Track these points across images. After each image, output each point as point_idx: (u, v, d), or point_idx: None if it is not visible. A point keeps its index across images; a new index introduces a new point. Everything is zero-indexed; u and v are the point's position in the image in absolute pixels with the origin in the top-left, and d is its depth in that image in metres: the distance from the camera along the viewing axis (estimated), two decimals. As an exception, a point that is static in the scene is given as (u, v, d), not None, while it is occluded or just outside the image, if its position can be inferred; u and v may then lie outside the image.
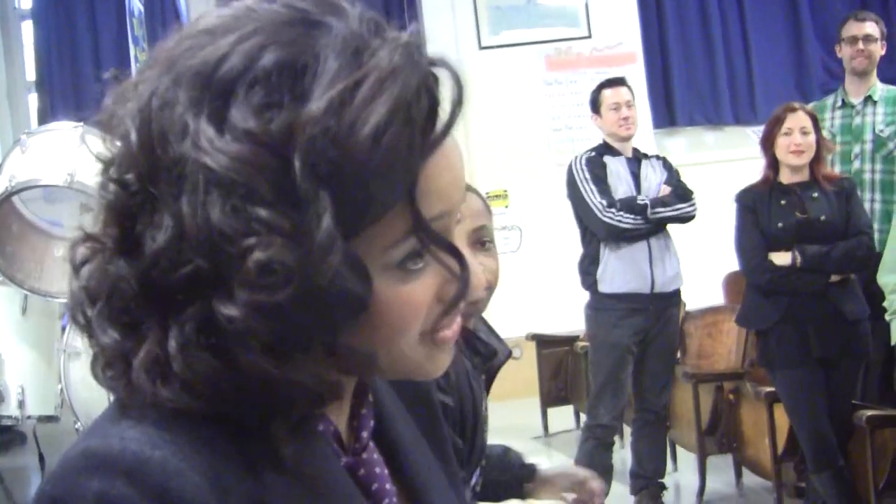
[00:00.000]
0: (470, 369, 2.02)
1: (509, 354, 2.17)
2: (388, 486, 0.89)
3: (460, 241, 2.03)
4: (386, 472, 0.90)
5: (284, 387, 0.73)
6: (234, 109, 0.71)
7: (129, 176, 0.74)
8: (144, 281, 0.72)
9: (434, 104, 0.75)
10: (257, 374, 0.71)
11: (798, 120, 4.22)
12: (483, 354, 2.06)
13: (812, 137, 4.21)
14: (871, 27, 5.11)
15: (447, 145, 0.76)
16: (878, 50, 5.13)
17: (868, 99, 5.07)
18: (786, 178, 4.26)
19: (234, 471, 0.73)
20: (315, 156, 0.70)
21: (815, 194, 4.22)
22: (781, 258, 4.16)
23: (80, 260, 0.78)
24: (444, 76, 0.77)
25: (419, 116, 0.73)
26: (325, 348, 0.74)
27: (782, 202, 4.22)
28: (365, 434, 0.89)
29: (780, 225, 4.19)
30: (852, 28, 5.14)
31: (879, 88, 5.12)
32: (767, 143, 4.28)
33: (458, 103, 0.76)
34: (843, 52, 5.18)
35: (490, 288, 2.00)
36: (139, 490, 0.69)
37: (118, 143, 0.75)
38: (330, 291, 0.71)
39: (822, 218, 4.18)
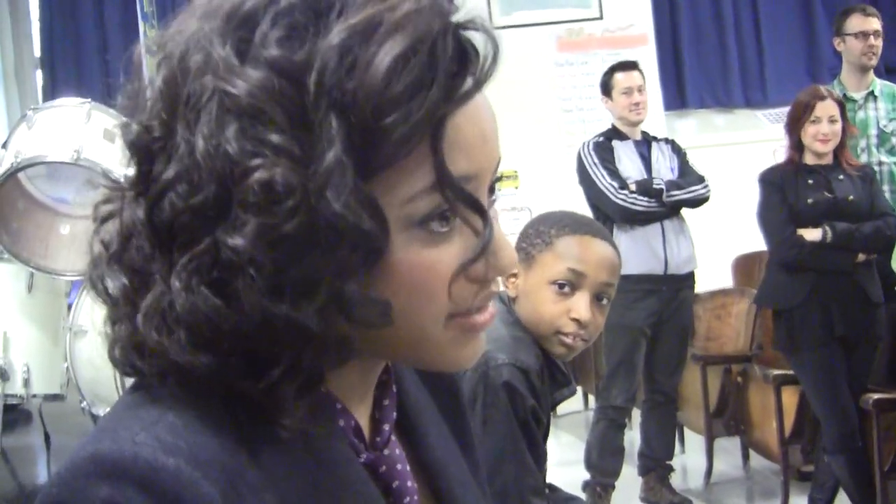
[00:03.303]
0: (546, 396, 2.04)
1: (574, 392, 2.19)
2: (409, 483, 0.86)
3: (587, 290, 1.98)
4: (408, 468, 0.87)
5: (287, 329, 0.70)
6: (258, 40, 0.70)
7: (153, 122, 0.73)
8: (154, 216, 0.71)
9: (465, 54, 0.73)
10: (259, 313, 0.69)
11: (827, 109, 4.21)
12: (559, 382, 2.07)
13: (839, 126, 4.22)
14: (877, 22, 5.05)
15: (479, 102, 0.75)
16: (880, 44, 5.08)
17: (870, 94, 5.03)
18: (810, 160, 4.26)
19: (250, 479, 0.71)
20: (331, 83, 0.69)
21: (841, 176, 4.23)
22: (812, 234, 4.16)
23: (102, 216, 0.77)
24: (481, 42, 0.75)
25: (444, 58, 0.71)
26: (334, 294, 0.71)
27: (809, 181, 4.23)
28: (387, 427, 0.86)
29: (809, 201, 4.19)
30: (861, 23, 5.04)
31: (878, 83, 5.08)
32: (794, 128, 4.26)
33: (493, 59, 0.74)
34: (850, 46, 5.06)
35: (587, 341, 2.01)
36: (152, 499, 0.66)
37: (147, 100, 0.75)
38: (339, 227, 0.69)
39: (850, 198, 4.20)
